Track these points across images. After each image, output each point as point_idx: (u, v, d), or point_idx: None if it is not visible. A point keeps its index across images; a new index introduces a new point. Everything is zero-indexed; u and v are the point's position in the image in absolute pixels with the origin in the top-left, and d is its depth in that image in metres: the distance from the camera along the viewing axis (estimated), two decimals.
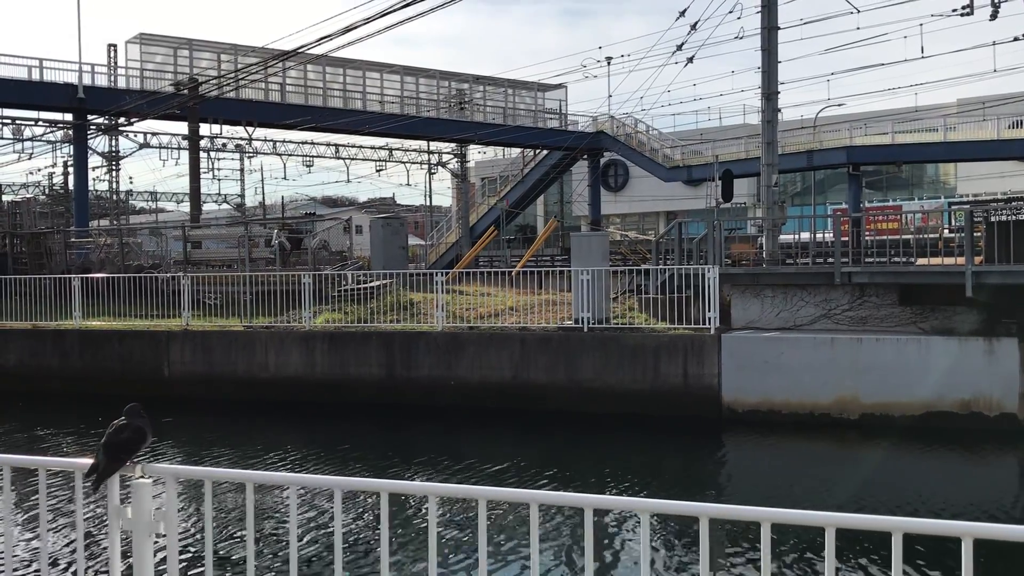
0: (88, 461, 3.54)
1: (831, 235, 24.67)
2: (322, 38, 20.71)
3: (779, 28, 19.20)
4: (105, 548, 8.85)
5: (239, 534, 10.65)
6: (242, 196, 71.94)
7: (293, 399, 19.33)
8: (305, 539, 10.72)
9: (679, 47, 20.99)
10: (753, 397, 17.02)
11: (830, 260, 20.27)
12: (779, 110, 19.71)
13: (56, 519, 11.02)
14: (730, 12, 19.26)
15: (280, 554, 10.23)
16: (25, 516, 11.30)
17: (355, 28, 20.93)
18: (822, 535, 3.04)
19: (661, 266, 19.09)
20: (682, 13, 20.65)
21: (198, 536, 10.00)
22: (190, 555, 9.39)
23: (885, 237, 21.10)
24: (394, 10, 19.24)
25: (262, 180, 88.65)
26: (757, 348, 17.18)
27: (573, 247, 19.31)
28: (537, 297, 19.95)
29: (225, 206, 71.13)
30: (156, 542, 3.53)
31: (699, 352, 17.30)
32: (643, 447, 16.40)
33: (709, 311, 17.43)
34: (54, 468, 3.79)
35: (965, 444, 15.58)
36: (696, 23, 20.89)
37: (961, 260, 16.13)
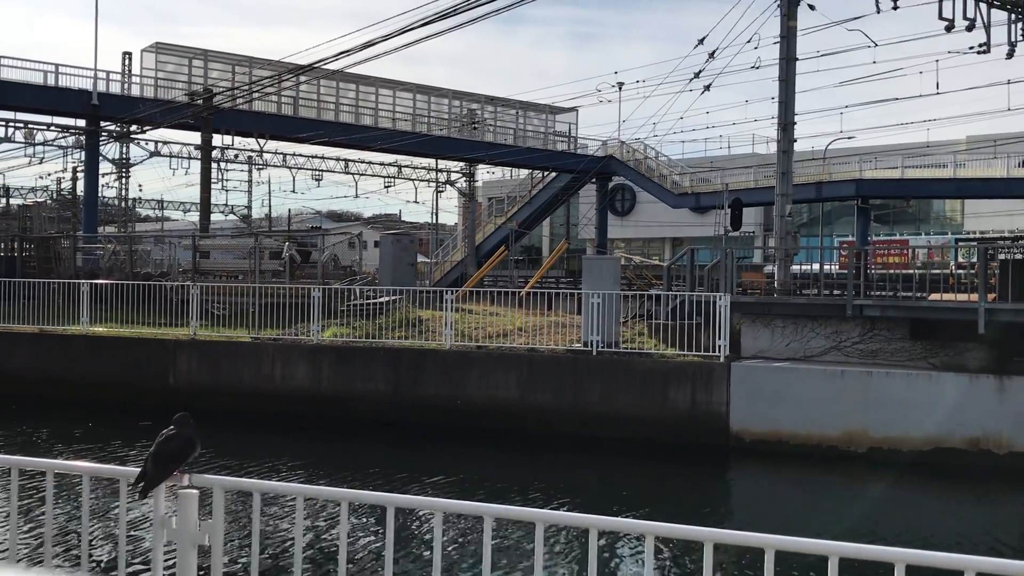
0: (130, 470, 3.51)
1: (837, 267, 24.77)
2: (340, 53, 20.81)
3: (797, 59, 19.28)
4: (139, 556, 8.80)
5: (275, 547, 10.54)
6: (249, 207, 72.09)
7: (298, 412, 19.26)
8: (356, 553, 10.59)
9: (697, 74, 21.12)
10: (761, 427, 16.95)
11: (836, 292, 20.32)
12: (795, 140, 19.77)
13: (95, 527, 10.92)
14: (748, 41, 19.42)
15: (323, 569, 10.09)
16: (64, 522, 11.20)
17: (374, 44, 21.08)
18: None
19: (672, 292, 19.06)
20: (701, 41, 20.81)
21: (242, 549, 9.91)
22: (236, 568, 9.29)
23: (895, 271, 21.04)
24: (411, 29, 19.31)
25: (269, 192, 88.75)
26: (767, 378, 17.13)
27: (584, 269, 19.30)
28: (545, 319, 19.92)
29: (232, 216, 71.27)
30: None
31: (708, 380, 17.25)
32: (649, 473, 16.33)
33: (719, 339, 17.39)
34: (100, 475, 3.75)
35: (973, 481, 15.51)
36: (714, 51, 20.99)
37: (974, 296, 16.11)
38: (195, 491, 3.47)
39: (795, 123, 19.44)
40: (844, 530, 13.16)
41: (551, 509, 13.56)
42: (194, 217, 73.37)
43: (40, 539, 9.85)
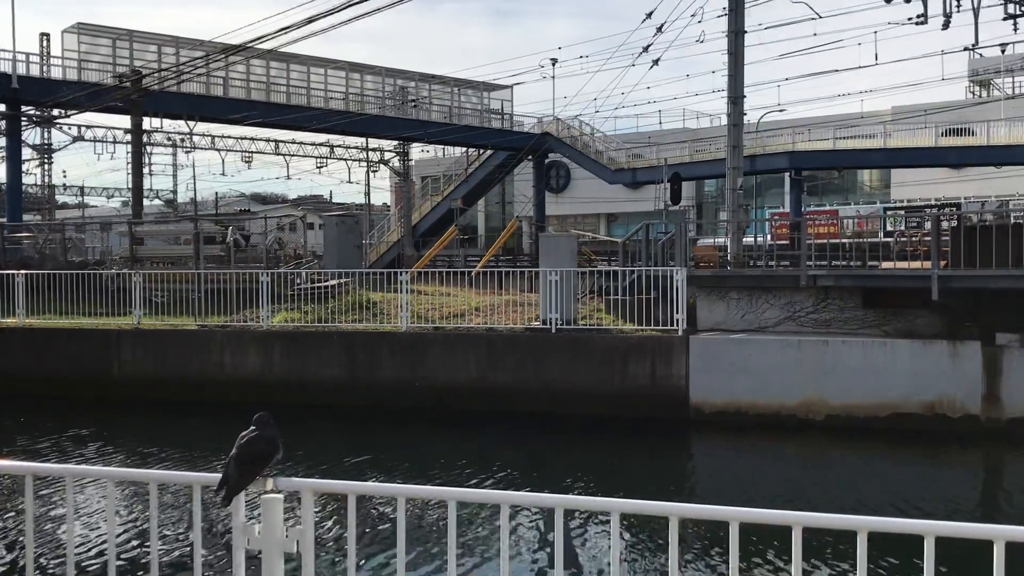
0: (203, 475, 3.27)
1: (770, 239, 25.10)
2: (282, 29, 20.25)
3: (745, 32, 19.36)
4: (213, 566, 8.43)
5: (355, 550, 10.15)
6: (174, 192, 70.43)
7: (251, 400, 18.79)
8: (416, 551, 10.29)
9: (646, 48, 21.06)
10: (720, 398, 17.08)
11: (784, 264, 20.59)
12: (745, 113, 19.89)
13: (164, 535, 10.47)
14: (692, 15, 19.35)
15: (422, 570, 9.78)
16: (132, 531, 10.75)
17: (291, 29, 20.60)
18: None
19: (629, 267, 19.07)
20: (649, 15, 20.75)
21: (326, 556, 9.57)
22: None
23: (848, 241, 21.37)
24: (337, 10, 18.86)
25: (194, 176, 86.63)
26: (725, 350, 17.26)
27: (541, 248, 19.19)
28: (502, 297, 19.78)
29: (157, 201, 69.52)
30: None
31: (667, 354, 17.31)
32: (611, 448, 16.36)
33: (677, 313, 17.44)
34: (173, 483, 3.50)
35: (929, 445, 15.85)
36: (662, 25, 21.00)
37: (927, 264, 16.41)
38: (280, 495, 3.25)
39: (744, 96, 19.56)
40: (806, 497, 13.36)
41: (515, 489, 13.49)
42: (117, 203, 71.56)
43: (102, 552, 9.47)
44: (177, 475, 3.87)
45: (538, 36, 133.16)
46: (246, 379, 19.16)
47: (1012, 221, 18.09)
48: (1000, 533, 2.89)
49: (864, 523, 3.05)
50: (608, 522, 3.15)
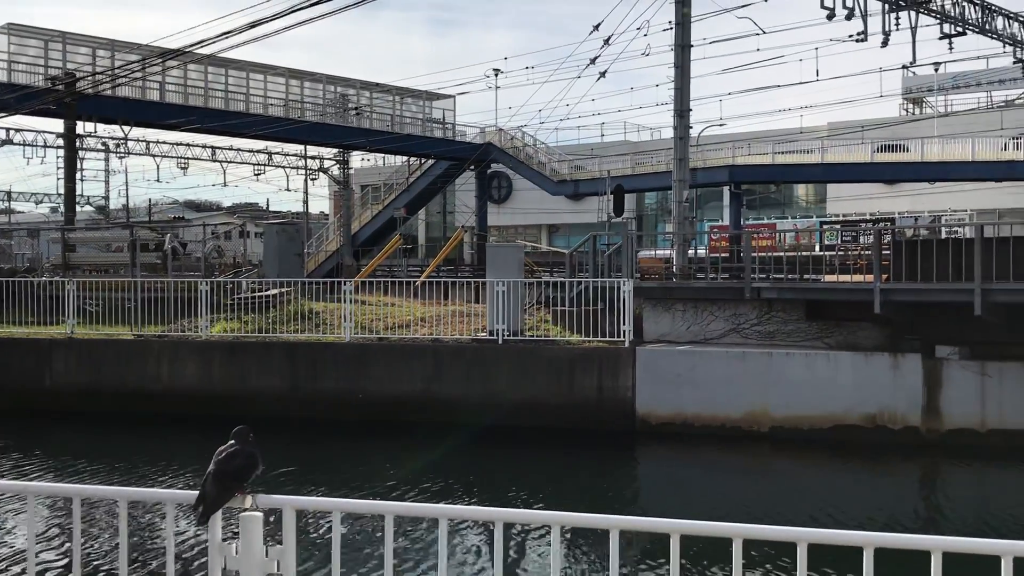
0: (178, 493, 3.07)
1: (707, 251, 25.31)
2: (224, 33, 19.86)
3: (692, 46, 19.50)
4: None
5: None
6: (106, 198, 68.82)
7: (189, 412, 18.37)
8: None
9: (593, 60, 21.09)
10: (666, 410, 17.11)
11: (725, 276, 20.78)
12: (691, 127, 20.01)
13: (138, 555, 10.00)
14: (639, 29, 19.54)
15: None
16: (103, 551, 10.23)
17: (231, 34, 20.20)
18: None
19: (576, 278, 19.04)
20: (596, 27, 20.81)
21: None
22: None
23: (790, 254, 21.59)
24: (279, 16, 18.57)
25: (127, 182, 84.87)
26: (671, 361, 17.30)
27: (488, 258, 19.08)
28: (447, 308, 19.60)
29: (88, 208, 67.87)
30: None
31: (614, 365, 17.29)
32: (557, 460, 16.28)
33: (624, 324, 17.44)
34: (141, 500, 3.29)
35: (871, 456, 16.05)
36: (609, 37, 21.02)
37: (869, 277, 16.64)
38: (260, 513, 3.06)
39: (691, 109, 19.69)
40: (750, 509, 13.40)
41: (458, 502, 13.33)
42: (46, 209, 69.67)
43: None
44: (150, 492, 3.65)
45: (479, 46, 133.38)
46: (184, 390, 18.72)
47: (953, 236, 18.46)
48: (1008, 549, 2.86)
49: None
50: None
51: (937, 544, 2.86)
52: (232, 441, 3.16)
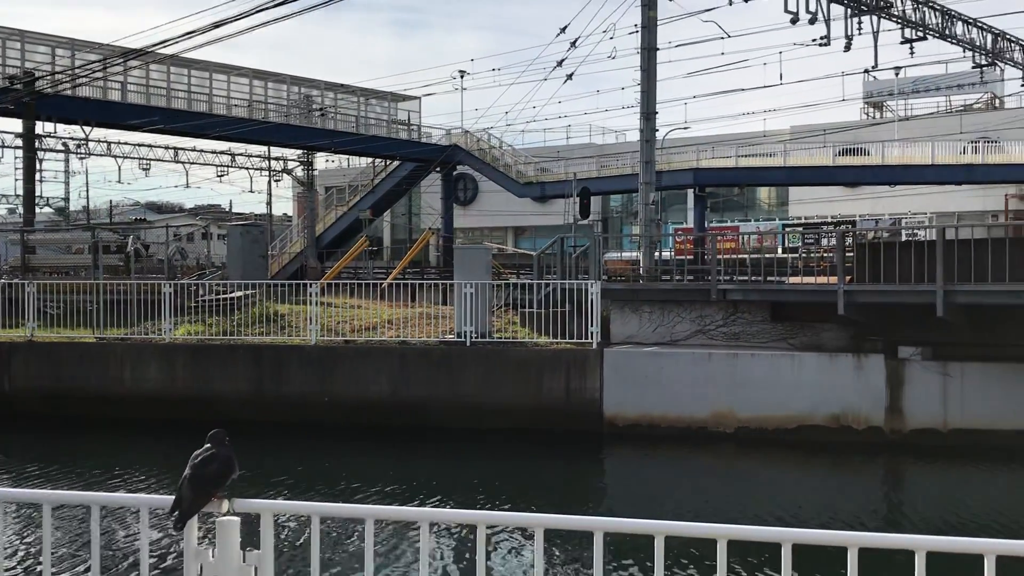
0: (153, 497, 3.02)
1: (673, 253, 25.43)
2: (187, 33, 19.66)
3: (657, 49, 19.61)
4: None
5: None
6: (66, 199, 67.83)
7: (152, 416, 18.15)
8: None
9: (559, 63, 21.17)
10: (634, 411, 17.17)
11: (691, 278, 20.88)
12: (657, 129, 20.12)
13: (115, 562, 9.76)
14: (604, 32, 19.60)
15: None
16: (74, 560, 9.96)
17: (193, 34, 20.03)
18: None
19: (544, 280, 19.05)
20: (563, 29, 20.87)
21: None
22: None
23: (755, 256, 21.76)
24: (269, 7, 18.45)
25: (87, 183, 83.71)
26: (638, 363, 17.36)
27: (456, 260, 19.03)
28: (413, 310, 19.53)
29: (47, 209, 66.86)
30: None
31: (582, 367, 17.32)
32: (526, 462, 16.28)
33: (591, 326, 17.48)
34: (114, 505, 3.23)
35: (835, 456, 16.21)
36: (576, 40, 21.08)
37: (833, 279, 16.81)
38: (236, 518, 3.01)
39: (657, 112, 19.80)
40: (720, 510, 13.47)
41: (431, 505, 13.29)
42: (2, 210, 68.54)
43: None
44: (124, 497, 3.59)
45: (443, 48, 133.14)
46: (148, 394, 18.48)
47: (914, 238, 18.68)
48: (991, 547, 2.89)
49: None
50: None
51: (921, 544, 2.88)
52: (208, 445, 3.12)
